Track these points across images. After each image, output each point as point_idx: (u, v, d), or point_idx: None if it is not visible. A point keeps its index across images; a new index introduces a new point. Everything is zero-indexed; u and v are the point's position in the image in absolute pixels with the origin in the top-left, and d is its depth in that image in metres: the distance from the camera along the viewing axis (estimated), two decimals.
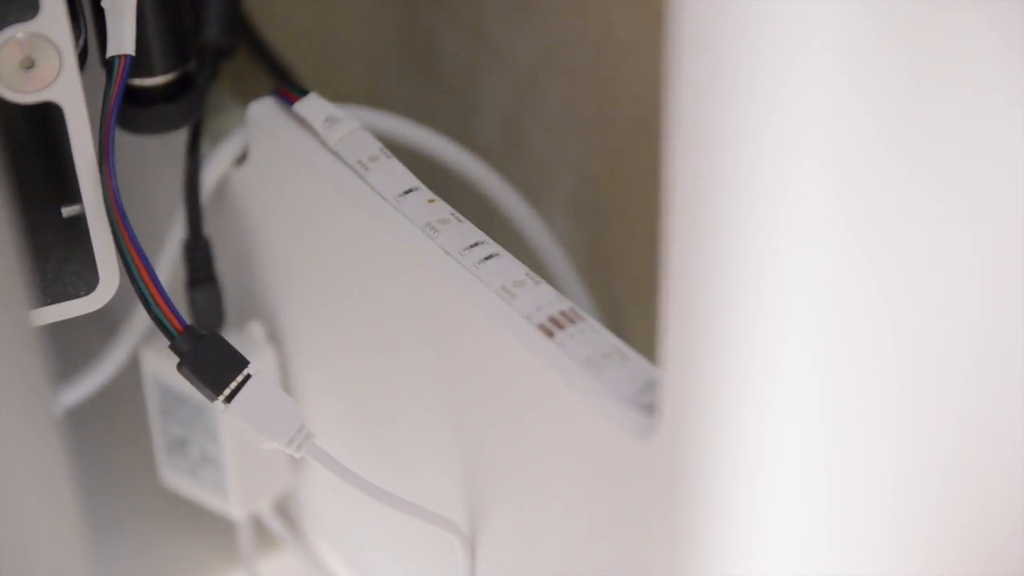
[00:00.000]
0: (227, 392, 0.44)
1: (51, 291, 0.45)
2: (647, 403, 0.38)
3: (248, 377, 0.44)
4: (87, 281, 0.45)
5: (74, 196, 0.45)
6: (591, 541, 0.41)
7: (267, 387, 0.44)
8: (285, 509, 0.58)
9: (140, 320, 0.55)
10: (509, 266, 0.42)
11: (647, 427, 0.37)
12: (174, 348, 0.44)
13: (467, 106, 0.59)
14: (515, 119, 0.57)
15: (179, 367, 0.44)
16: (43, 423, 0.47)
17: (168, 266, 0.53)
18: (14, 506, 0.41)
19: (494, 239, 0.43)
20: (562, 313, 0.41)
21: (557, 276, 0.55)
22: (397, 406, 0.48)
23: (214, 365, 0.44)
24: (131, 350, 0.55)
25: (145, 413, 0.55)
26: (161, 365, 0.53)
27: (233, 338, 0.51)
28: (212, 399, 0.44)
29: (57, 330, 0.47)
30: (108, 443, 0.61)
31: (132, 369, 0.56)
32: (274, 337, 0.53)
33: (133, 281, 0.44)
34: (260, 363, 0.52)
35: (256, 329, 0.53)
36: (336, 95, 0.49)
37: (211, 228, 0.52)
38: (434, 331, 0.44)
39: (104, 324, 0.57)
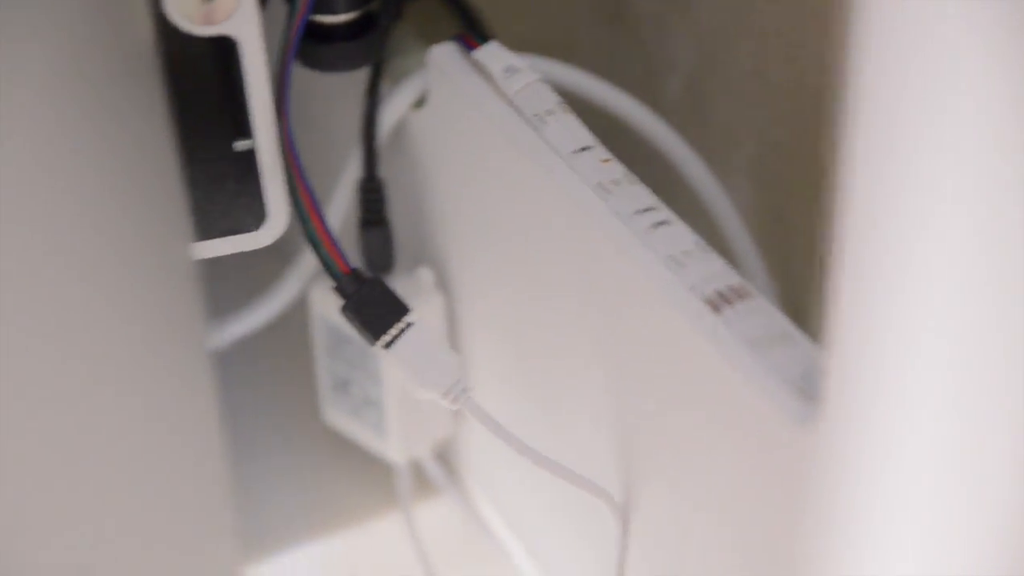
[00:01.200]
0: (387, 338, 0.44)
1: (221, 224, 0.45)
2: (810, 390, 0.37)
3: (409, 325, 0.44)
4: (256, 216, 0.45)
5: (248, 130, 0.45)
6: (741, 523, 0.40)
7: (427, 337, 0.44)
8: (445, 456, 0.58)
9: (311, 258, 0.55)
10: (679, 234, 0.41)
11: (808, 414, 0.36)
12: (338, 290, 0.44)
13: (652, 64, 0.58)
14: (700, 80, 0.56)
15: (342, 309, 0.44)
16: (194, 357, 0.47)
17: (341, 206, 0.53)
18: (162, 439, 0.41)
19: (671, 203, 0.42)
20: (731, 288, 0.39)
21: (734, 245, 0.54)
22: (557, 366, 0.47)
23: (376, 310, 0.44)
24: (301, 287, 0.55)
25: (312, 351, 0.55)
26: (328, 305, 0.53)
27: (402, 283, 0.51)
28: (372, 343, 0.44)
29: (231, 262, 0.47)
30: (275, 378, 0.61)
31: (303, 305, 0.56)
32: (443, 284, 0.52)
33: (301, 220, 0.44)
34: (427, 310, 0.52)
35: (425, 275, 0.52)
36: (520, 41, 0.48)
37: (386, 170, 0.51)
38: (597, 294, 0.43)
39: (280, 258, 0.57)
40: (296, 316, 0.57)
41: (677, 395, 0.41)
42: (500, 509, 0.56)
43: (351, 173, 0.52)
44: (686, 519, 0.43)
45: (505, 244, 0.48)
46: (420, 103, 0.50)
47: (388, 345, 0.44)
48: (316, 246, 0.44)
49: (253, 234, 0.45)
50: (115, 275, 0.40)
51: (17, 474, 0.34)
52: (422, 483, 0.58)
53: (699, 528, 0.42)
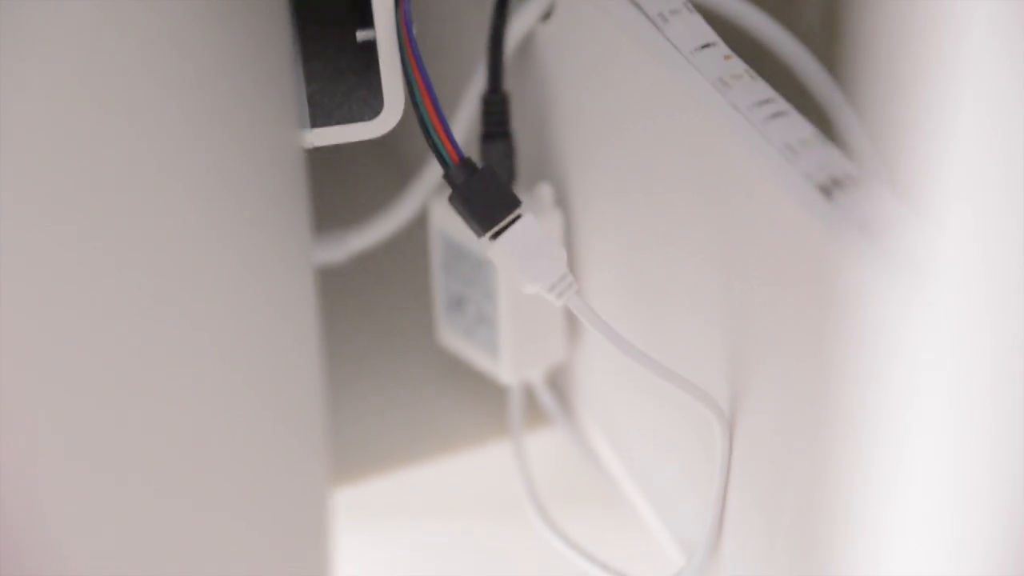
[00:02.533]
0: (495, 229, 0.43)
1: (337, 113, 0.45)
2: (924, 271, 0.35)
3: (519, 217, 0.43)
4: (372, 108, 0.45)
5: (370, 20, 0.44)
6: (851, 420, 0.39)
7: (536, 230, 0.43)
8: (557, 384, 0.57)
9: (433, 173, 0.54)
10: (797, 124, 0.40)
11: (921, 295, 0.34)
12: (447, 178, 0.44)
13: None
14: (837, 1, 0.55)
15: (450, 198, 0.44)
16: (296, 262, 0.47)
17: (465, 119, 0.53)
18: (253, 348, 0.41)
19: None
20: (846, 174, 0.38)
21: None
22: (669, 272, 0.46)
23: (485, 200, 0.43)
24: (423, 202, 0.55)
25: (430, 269, 0.55)
26: (448, 219, 0.53)
27: (522, 198, 0.50)
28: (479, 234, 0.43)
29: (351, 177, 0.47)
30: (393, 294, 0.61)
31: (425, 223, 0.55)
32: (562, 201, 0.52)
33: (415, 106, 0.44)
34: (546, 226, 0.51)
35: (545, 191, 0.52)
36: None
37: (510, 84, 0.51)
38: (712, 189, 0.42)
39: (400, 177, 0.57)
40: (419, 234, 0.56)
41: (790, 286, 0.39)
42: (611, 439, 0.55)
43: (476, 86, 0.52)
44: (794, 427, 0.41)
45: (625, 153, 0.47)
46: (547, 16, 0.50)
47: (495, 236, 0.43)
48: (429, 133, 0.43)
49: (367, 123, 0.45)
50: (219, 167, 0.39)
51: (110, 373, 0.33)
52: (534, 412, 0.57)
53: (807, 436, 0.41)
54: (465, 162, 0.44)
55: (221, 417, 0.41)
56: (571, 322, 0.54)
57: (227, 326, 0.41)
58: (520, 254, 0.43)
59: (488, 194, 0.43)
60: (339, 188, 0.56)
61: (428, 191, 0.55)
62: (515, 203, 0.43)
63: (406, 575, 0.58)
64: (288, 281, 0.47)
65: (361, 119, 0.45)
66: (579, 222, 0.51)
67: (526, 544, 0.55)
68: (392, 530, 0.58)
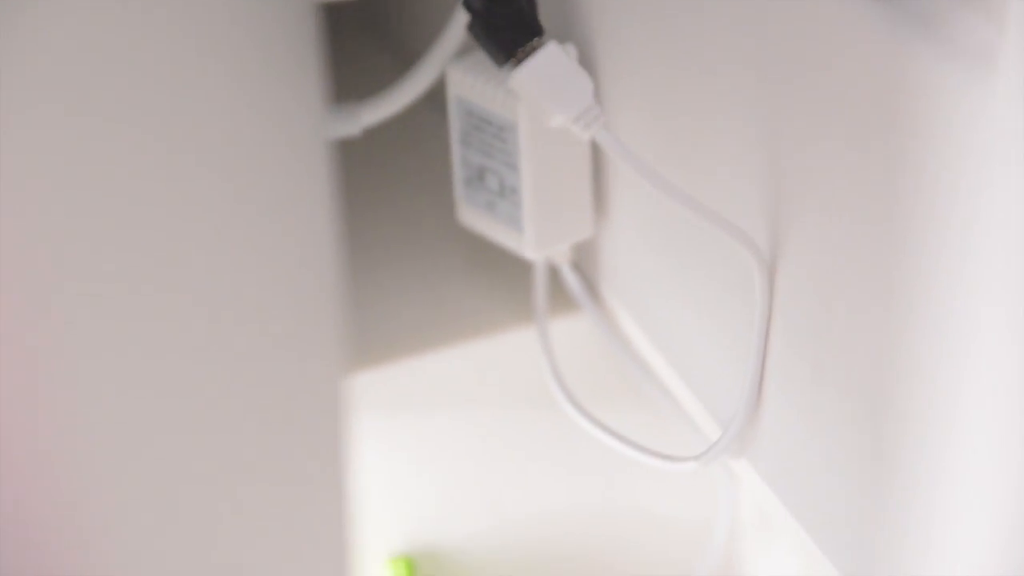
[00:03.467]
0: (517, 57, 0.40)
1: None
2: (988, 62, 0.32)
3: (542, 44, 0.41)
4: None
5: None
6: (900, 248, 0.36)
7: (561, 58, 0.41)
8: (583, 267, 0.54)
9: (451, 40, 0.52)
10: None
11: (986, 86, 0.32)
12: (466, 4, 0.41)
13: None
14: None
15: (468, 27, 0.41)
16: (308, 137, 0.44)
17: None
18: (264, 228, 0.39)
19: None
20: None
21: None
22: (705, 112, 0.43)
23: (507, 27, 0.41)
24: (441, 69, 0.52)
25: (448, 146, 0.52)
26: (467, 84, 0.50)
27: None
28: (501, 63, 0.41)
29: (361, 57, 0.44)
30: (411, 170, 0.58)
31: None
32: (587, 62, 0.49)
33: None
34: None
35: (570, 52, 0.49)
36: None
37: None
38: (750, 6, 0.39)
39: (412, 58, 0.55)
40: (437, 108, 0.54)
41: (840, 108, 0.37)
42: (639, 319, 0.52)
43: None
44: (839, 264, 0.39)
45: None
46: None
47: (518, 64, 0.40)
48: None
49: None
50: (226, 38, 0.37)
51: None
52: (559, 295, 0.54)
53: (853, 271, 0.38)
54: None
55: (233, 302, 0.39)
56: (598, 197, 0.52)
57: (238, 210, 0.38)
58: (544, 84, 0.40)
59: (509, 20, 0.41)
60: (347, 69, 0.54)
61: (446, 58, 0.52)
62: (538, 29, 0.41)
63: (428, 459, 0.56)
64: (300, 159, 0.45)
65: None
66: (607, 82, 0.49)
67: (553, 428, 0.53)
68: (415, 416, 0.55)
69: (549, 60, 0.40)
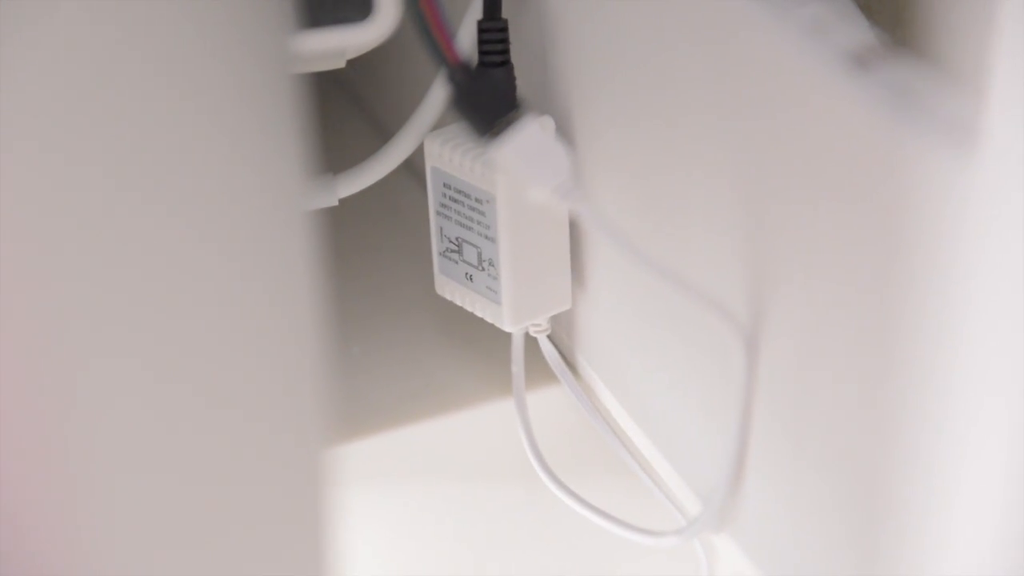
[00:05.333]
0: (497, 129, 0.40)
1: (328, 17, 0.43)
2: (966, 137, 0.32)
3: (521, 117, 0.40)
4: (363, 12, 0.43)
5: None
6: (887, 311, 0.36)
7: (539, 132, 0.41)
8: (560, 339, 0.54)
9: (428, 112, 0.52)
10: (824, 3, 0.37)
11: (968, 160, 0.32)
12: (449, 77, 0.41)
13: None
14: None
15: (450, 102, 0.41)
16: (292, 214, 0.44)
17: (463, 47, 0.50)
18: (245, 297, 0.39)
19: None
20: (875, 47, 0.35)
21: None
22: (683, 186, 0.43)
23: (487, 101, 0.41)
24: (418, 141, 0.52)
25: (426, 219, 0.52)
26: (444, 157, 0.50)
27: None
28: (481, 135, 0.41)
29: (340, 133, 0.44)
30: (387, 240, 0.58)
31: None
32: (566, 134, 0.49)
33: (412, 8, 0.41)
34: None
35: (547, 124, 0.49)
36: None
37: (508, 11, 0.48)
38: (733, 82, 0.39)
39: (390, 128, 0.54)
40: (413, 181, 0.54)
41: (819, 183, 0.36)
42: (618, 391, 0.52)
43: (473, 13, 0.49)
44: (823, 345, 0.38)
45: (633, 69, 0.44)
46: None
47: (497, 137, 0.40)
48: (426, 33, 0.41)
49: (361, 26, 0.42)
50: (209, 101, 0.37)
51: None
52: (537, 367, 0.54)
53: (838, 354, 0.38)
54: (464, 64, 0.41)
55: (213, 375, 0.38)
56: (576, 268, 0.51)
57: (219, 278, 0.38)
58: (523, 155, 0.40)
59: (489, 94, 0.41)
60: (325, 138, 0.53)
61: (424, 131, 0.52)
62: (517, 103, 0.41)
63: (409, 533, 0.55)
64: (282, 229, 0.45)
65: (353, 20, 0.42)
66: (584, 155, 0.48)
67: (531, 501, 0.52)
68: (392, 489, 0.54)
69: (527, 133, 0.40)
